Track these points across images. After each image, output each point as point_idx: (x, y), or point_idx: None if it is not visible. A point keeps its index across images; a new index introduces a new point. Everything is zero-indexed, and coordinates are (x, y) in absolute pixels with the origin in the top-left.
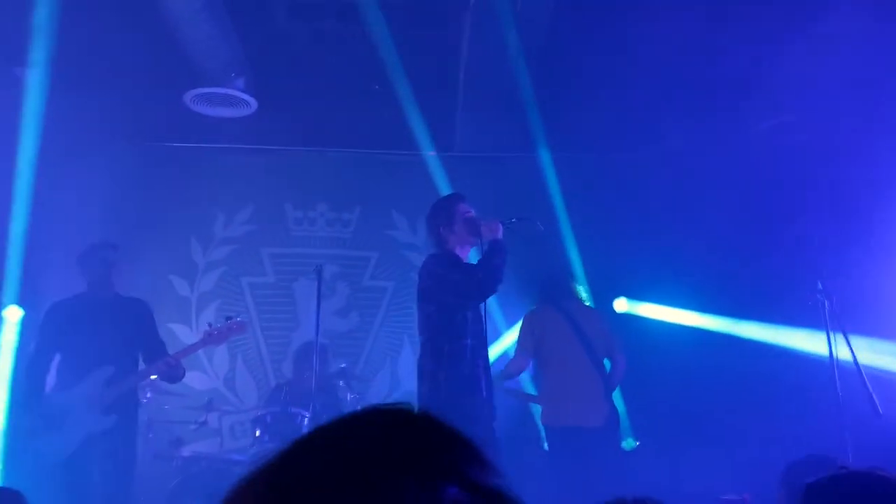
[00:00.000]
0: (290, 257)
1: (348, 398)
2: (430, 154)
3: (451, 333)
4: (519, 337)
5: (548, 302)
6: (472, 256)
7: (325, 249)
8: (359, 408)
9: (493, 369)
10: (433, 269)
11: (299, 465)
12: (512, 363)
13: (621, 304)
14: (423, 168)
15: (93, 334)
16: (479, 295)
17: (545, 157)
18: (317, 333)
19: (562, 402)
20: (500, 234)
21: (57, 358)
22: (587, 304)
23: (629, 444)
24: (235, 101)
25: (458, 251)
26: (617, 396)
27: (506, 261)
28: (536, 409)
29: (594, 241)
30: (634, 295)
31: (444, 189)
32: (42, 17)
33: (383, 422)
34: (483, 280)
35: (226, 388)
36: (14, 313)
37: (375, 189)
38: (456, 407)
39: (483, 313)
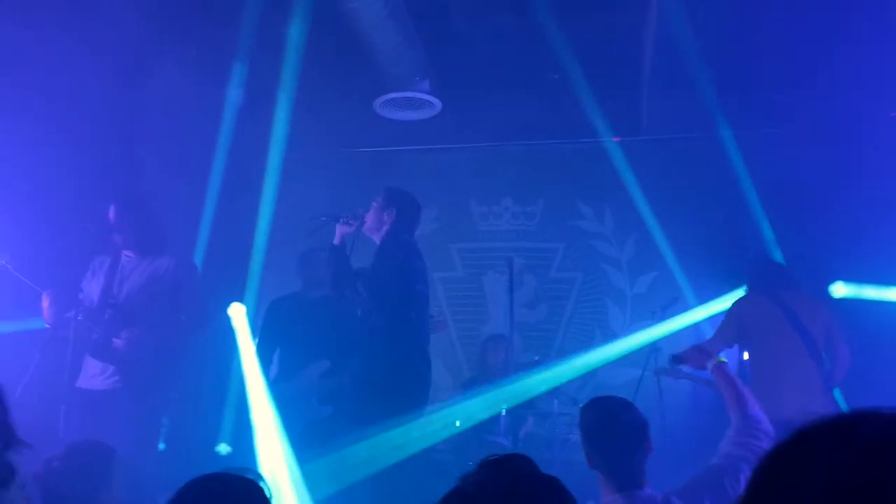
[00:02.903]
0: (477, 252)
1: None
2: (613, 140)
3: None
4: (723, 322)
5: (759, 290)
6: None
7: (512, 242)
8: (553, 401)
9: (670, 344)
10: None
11: None
12: (704, 346)
13: (839, 289)
14: (607, 155)
15: (310, 330)
16: None
17: (734, 137)
18: (511, 326)
19: (776, 396)
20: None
21: (277, 350)
22: (806, 291)
23: None
24: (421, 104)
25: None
26: (838, 392)
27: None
28: None
29: (797, 222)
30: (854, 277)
31: (629, 175)
32: (293, 40)
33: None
34: None
35: None
36: (238, 309)
37: (559, 180)
38: None
39: None
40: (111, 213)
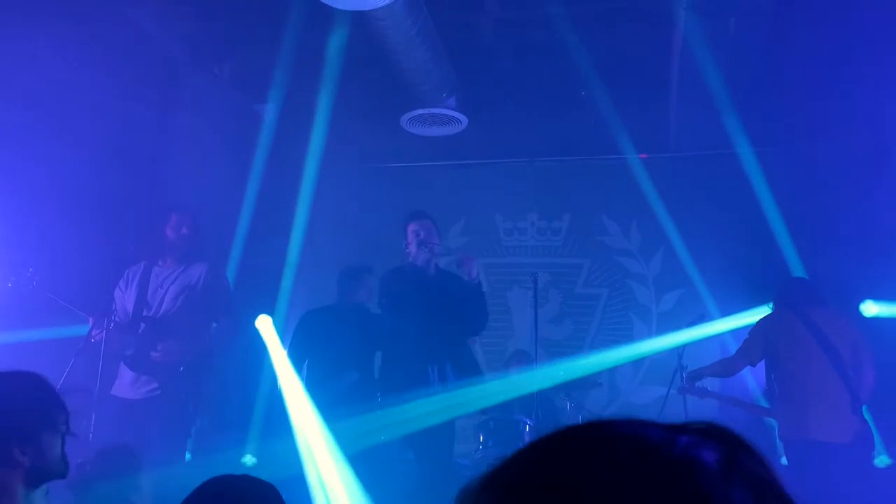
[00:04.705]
0: (502, 267)
1: (567, 407)
2: (640, 157)
3: None
4: (747, 339)
5: (786, 307)
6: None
7: (537, 258)
8: (578, 417)
9: (697, 365)
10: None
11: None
12: (726, 363)
13: (870, 308)
14: (633, 171)
15: (341, 343)
16: None
17: (760, 154)
18: (535, 342)
19: (802, 415)
20: (419, 262)
21: (307, 362)
22: (835, 309)
23: (882, 461)
24: (447, 120)
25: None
26: (868, 411)
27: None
28: (772, 424)
29: (825, 239)
30: (885, 296)
31: (653, 192)
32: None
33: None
34: None
35: None
36: (265, 322)
37: (584, 195)
38: None
39: None
40: (175, 221)
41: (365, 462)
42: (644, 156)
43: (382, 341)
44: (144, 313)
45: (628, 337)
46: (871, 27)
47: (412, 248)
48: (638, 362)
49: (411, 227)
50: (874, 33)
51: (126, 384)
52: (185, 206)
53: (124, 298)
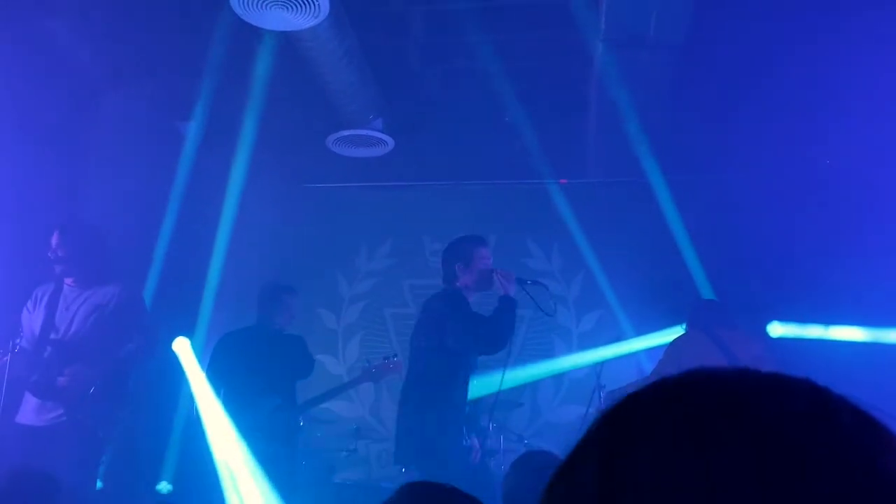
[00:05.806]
0: (429, 288)
1: (490, 427)
2: (560, 182)
3: (440, 376)
4: (662, 360)
5: (699, 328)
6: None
7: None
8: (500, 437)
9: (615, 384)
10: (437, 306)
11: None
12: (643, 383)
13: (776, 329)
14: (556, 196)
15: (261, 365)
16: (478, 349)
17: (674, 182)
18: None
19: None
20: (512, 291)
21: (223, 386)
22: (744, 330)
23: None
24: (374, 142)
25: (465, 293)
26: None
27: (514, 318)
28: None
29: (735, 262)
30: (790, 317)
31: (573, 216)
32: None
33: None
34: (485, 336)
35: (372, 417)
36: (182, 344)
37: (509, 219)
38: (434, 451)
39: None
40: (53, 240)
41: (288, 484)
42: (564, 181)
43: (305, 365)
44: (52, 336)
45: (550, 356)
46: (777, 62)
47: (490, 275)
48: (558, 382)
49: (482, 252)
50: (780, 68)
51: (30, 410)
52: (62, 220)
53: (31, 320)
